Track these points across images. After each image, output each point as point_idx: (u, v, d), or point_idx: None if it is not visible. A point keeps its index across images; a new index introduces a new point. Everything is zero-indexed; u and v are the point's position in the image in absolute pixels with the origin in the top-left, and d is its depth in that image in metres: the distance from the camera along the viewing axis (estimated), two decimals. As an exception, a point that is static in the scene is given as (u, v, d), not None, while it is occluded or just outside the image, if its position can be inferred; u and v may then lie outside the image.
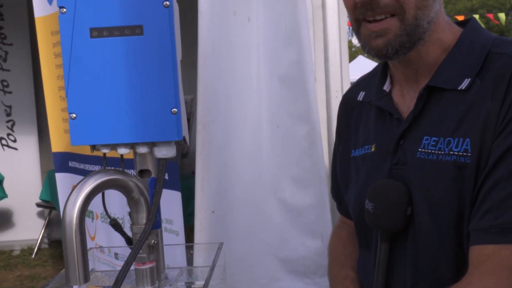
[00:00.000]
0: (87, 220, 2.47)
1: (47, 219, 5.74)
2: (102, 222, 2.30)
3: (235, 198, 1.64)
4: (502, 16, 15.34)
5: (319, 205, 1.67)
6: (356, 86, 1.40)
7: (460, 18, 14.19)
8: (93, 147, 1.23)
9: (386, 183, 1.17)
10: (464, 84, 1.11)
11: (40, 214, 6.00)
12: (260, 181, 1.67)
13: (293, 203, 1.67)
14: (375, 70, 1.36)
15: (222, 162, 1.63)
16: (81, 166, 2.50)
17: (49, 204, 5.42)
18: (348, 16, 1.22)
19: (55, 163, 2.67)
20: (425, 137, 1.14)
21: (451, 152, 1.09)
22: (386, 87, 1.26)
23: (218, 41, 1.65)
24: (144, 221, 1.22)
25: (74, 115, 1.17)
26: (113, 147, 1.21)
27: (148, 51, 1.16)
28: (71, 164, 2.58)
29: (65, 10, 1.17)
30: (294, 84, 1.71)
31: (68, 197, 1.13)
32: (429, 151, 1.12)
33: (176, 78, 1.18)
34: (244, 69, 1.69)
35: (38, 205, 5.67)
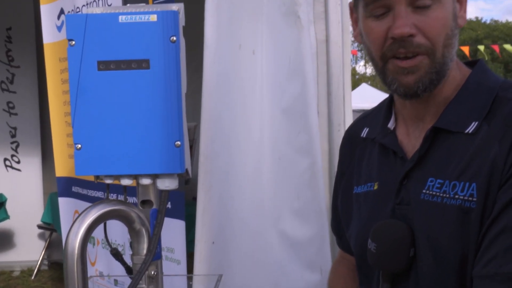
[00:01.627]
0: (88, 246, 2.47)
1: (47, 241, 5.73)
2: (103, 248, 2.30)
3: (236, 229, 1.65)
4: (508, 47, 15.42)
5: (319, 238, 1.68)
6: (360, 122, 1.41)
7: (465, 48, 14.28)
8: (97, 177, 1.24)
9: (389, 223, 1.17)
10: (471, 128, 1.12)
11: (41, 236, 5.99)
12: (261, 213, 1.67)
13: (293, 235, 1.68)
14: (380, 105, 1.36)
15: (223, 193, 1.64)
16: (84, 191, 2.52)
17: (50, 226, 5.42)
18: (368, 51, 1.20)
19: (59, 188, 2.69)
20: (430, 179, 1.14)
21: (457, 196, 1.09)
22: (391, 124, 1.27)
23: (223, 73, 1.68)
24: (145, 251, 1.22)
25: (80, 146, 1.19)
26: (117, 177, 1.22)
27: (154, 84, 1.18)
28: (74, 189, 2.60)
29: (74, 42, 1.20)
30: (297, 117, 1.72)
31: (70, 226, 1.15)
32: (434, 193, 1.13)
33: (181, 112, 1.20)
34: (247, 101, 1.71)
35: (39, 226, 5.67)
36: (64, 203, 2.62)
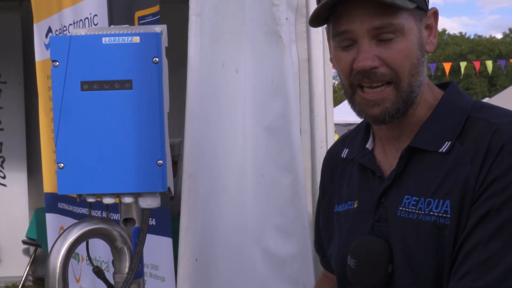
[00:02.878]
0: (73, 262, 2.47)
1: (32, 256, 5.68)
2: (88, 264, 2.30)
3: (219, 246, 1.66)
4: (489, 64, 15.64)
5: (302, 255, 1.69)
6: (340, 143, 1.45)
7: (448, 65, 14.46)
8: (80, 196, 1.25)
9: (368, 240, 1.20)
10: (444, 147, 1.16)
11: (26, 252, 5.95)
12: (244, 230, 1.69)
13: (277, 253, 1.69)
14: (358, 127, 1.40)
15: (206, 211, 1.65)
16: (70, 208, 2.52)
17: (35, 242, 5.38)
18: (339, 77, 1.25)
19: (46, 204, 2.69)
20: (406, 196, 1.18)
21: (431, 213, 1.13)
22: (369, 145, 1.31)
23: (206, 92, 1.70)
24: (127, 270, 1.23)
25: (62, 165, 1.20)
26: (99, 196, 1.23)
27: (137, 105, 1.20)
28: (60, 205, 2.60)
29: (57, 63, 1.21)
30: (279, 135, 1.75)
31: (52, 245, 1.15)
32: (410, 210, 1.16)
33: (163, 131, 1.22)
34: (230, 120, 1.74)
35: (24, 242, 5.63)
36: (50, 219, 2.62)
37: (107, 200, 1.23)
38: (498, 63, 18.26)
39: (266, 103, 1.76)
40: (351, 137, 1.41)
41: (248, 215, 1.70)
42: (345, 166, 1.37)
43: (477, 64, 16.03)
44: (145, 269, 1.91)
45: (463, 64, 15.74)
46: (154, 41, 1.23)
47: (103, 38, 1.22)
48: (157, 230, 1.85)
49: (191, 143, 1.63)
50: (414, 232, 1.13)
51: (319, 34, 1.93)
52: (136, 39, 1.23)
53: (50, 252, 1.14)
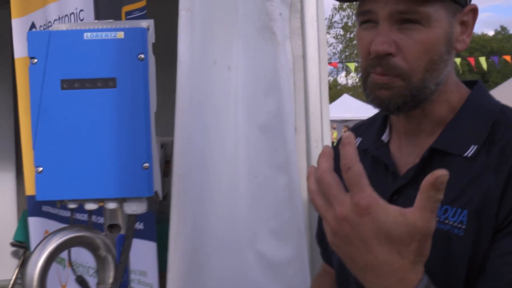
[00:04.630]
0: (59, 268, 2.40)
1: (21, 259, 5.61)
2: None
3: (211, 251, 1.59)
4: (482, 60, 15.69)
5: (297, 259, 1.63)
6: (353, 131, 1.38)
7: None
8: (60, 201, 1.19)
9: None
10: (470, 152, 1.08)
11: (15, 254, 5.87)
12: (237, 234, 1.62)
13: (271, 256, 1.63)
14: (375, 117, 1.33)
15: (197, 214, 1.58)
16: (55, 211, 2.44)
17: (23, 244, 5.32)
18: (361, 61, 1.19)
19: (29, 207, 2.60)
20: None
21: (446, 221, 1.06)
22: (385, 137, 1.24)
23: (197, 89, 1.64)
24: (111, 280, 1.17)
25: (41, 169, 1.14)
26: (81, 202, 1.17)
27: (121, 104, 1.14)
28: (45, 208, 2.52)
29: (35, 60, 1.15)
30: (273, 134, 1.69)
31: (30, 255, 1.09)
32: None
33: (149, 132, 1.15)
34: (222, 118, 1.67)
35: (12, 244, 5.57)
36: (33, 223, 2.54)
37: (90, 206, 1.17)
38: (490, 60, 18.33)
39: (259, 101, 1.70)
40: (365, 126, 1.34)
41: (241, 218, 1.63)
42: None
43: (471, 61, 16.09)
44: (134, 276, 1.84)
45: (457, 61, 15.81)
46: (140, 36, 1.16)
47: (85, 34, 1.16)
48: (145, 235, 1.78)
49: (181, 143, 1.56)
50: None
51: (314, 30, 1.87)
52: (120, 35, 1.16)
53: (27, 263, 1.07)
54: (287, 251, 1.61)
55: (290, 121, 1.69)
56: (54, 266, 2.37)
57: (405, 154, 1.18)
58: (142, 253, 1.79)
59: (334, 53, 37.19)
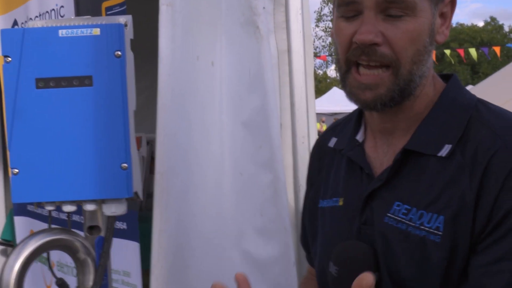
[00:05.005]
0: (44, 268, 2.37)
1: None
2: (59, 270, 2.20)
3: (196, 251, 1.57)
4: (472, 51, 15.71)
5: (284, 258, 1.61)
6: (329, 131, 1.35)
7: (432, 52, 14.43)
8: (37, 204, 1.17)
9: (352, 245, 1.11)
10: (444, 151, 1.05)
11: (3, 252, 5.82)
12: (222, 232, 1.60)
13: (257, 255, 1.61)
14: (350, 115, 1.30)
15: (181, 213, 1.56)
16: (39, 210, 2.41)
17: (10, 243, 5.27)
18: (336, 52, 1.15)
19: (14, 206, 2.57)
20: (396, 203, 1.08)
21: (422, 227, 1.03)
22: (360, 136, 1.21)
23: (180, 86, 1.61)
24: (91, 283, 1.15)
25: (17, 170, 1.12)
26: (59, 203, 1.15)
27: (98, 103, 1.11)
28: (30, 208, 2.49)
29: (10, 59, 1.12)
30: (258, 130, 1.66)
31: (6, 260, 1.07)
32: (399, 218, 1.07)
33: (127, 131, 1.13)
34: (206, 115, 1.64)
35: (0, 243, 5.52)
36: (19, 222, 2.51)
37: (67, 208, 1.14)
38: (480, 51, 18.36)
39: (243, 97, 1.67)
40: (341, 126, 1.30)
41: (226, 217, 1.61)
42: (333, 157, 1.26)
43: (461, 52, 16.10)
44: (117, 276, 1.82)
45: (447, 52, 15.81)
46: (116, 33, 1.14)
47: (60, 31, 1.13)
48: (128, 235, 1.75)
49: (163, 141, 1.53)
50: (400, 243, 1.04)
51: (299, 24, 1.84)
52: (96, 31, 1.13)
53: (3, 268, 1.05)
54: (273, 249, 1.59)
55: (275, 117, 1.67)
56: (39, 266, 2.34)
57: (381, 154, 1.15)
58: (125, 253, 1.76)
59: (324, 46, 37.13)
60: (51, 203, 1.14)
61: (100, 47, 1.12)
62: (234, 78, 1.67)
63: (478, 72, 35.08)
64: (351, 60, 1.08)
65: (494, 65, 30.69)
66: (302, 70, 1.83)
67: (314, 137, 1.83)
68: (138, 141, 2.72)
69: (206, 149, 1.62)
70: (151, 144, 2.63)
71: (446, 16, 1.12)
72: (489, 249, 0.99)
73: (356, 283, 0.94)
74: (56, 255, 2.07)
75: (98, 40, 1.12)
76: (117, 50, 1.11)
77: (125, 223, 1.78)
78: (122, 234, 1.77)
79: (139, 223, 2.02)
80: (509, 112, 1.11)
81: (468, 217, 1.00)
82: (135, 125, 1.19)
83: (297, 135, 1.82)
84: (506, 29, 41.79)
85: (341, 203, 1.19)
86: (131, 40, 1.22)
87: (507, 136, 1.02)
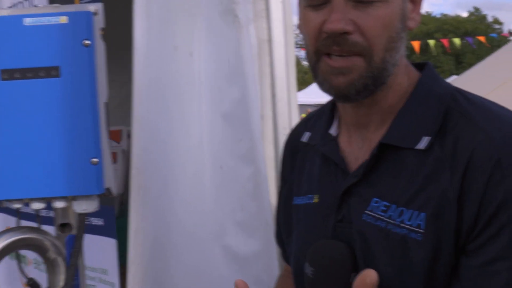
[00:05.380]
0: (20, 265, 2.31)
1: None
2: (35, 268, 2.15)
3: (175, 248, 1.52)
4: (457, 41, 15.76)
5: (266, 254, 1.57)
6: (302, 125, 1.29)
7: (416, 43, 14.48)
8: (5, 201, 1.12)
9: (328, 244, 1.06)
10: (422, 143, 1.00)
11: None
12: (202, 228, 1.56)
13: (239, 251, 1.57)
14: (323, 108, 1.25)
15: (159, 209, 1.51)
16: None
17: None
18: (305, 43, 1.09)
19: (-10, 203, 2.50)
20: (374, 199, 1.03)
21: (402, 225, 0.99)
22: (333, 130, 1.15)
23: (157, 77, 1.56)
24: (61, 283, 1.11)
25: (-20, 167, 1.06)
26: (27, 201, 1.10)
27: (66, 94, 1.06)
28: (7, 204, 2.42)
29: (-28, 49, 1.07)
30: (239, 122, 1.61)
31: None
32: (378, 216, 1.02)
33: (98, 124, 1.08)
34: (185, 107, 1.59)
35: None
36: (-4, 219, 2.44)
37: (36, 206, 1.10)
38: (464, 41, 18.42)
39: (223, 89, 1.63)
40: (314, 119, 1.24)
41: (206, 212, 1.56)
42: (306, 152, 1.21)
43: (445, 42, 16.14)
44: (94, 274, 1.78)
45: (431, 42, 15.82)
46: (84, 21, 1.08)
47: (25, 19, 1.07)
48: (105, 231, 1.71)
49: (140, 135, 1.48)
50: (379, 242, 1.00)
51: (280, 12, 1.79)
52: (63, 20, 1.08)
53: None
54: (255, 244, 1.55)
55: (256, 108, 1.62)
56: (15, 263, 2.28)
57: (355, 149, 1.10)
58: (102, 250, 1.72)
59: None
60: (19, 200, 1.09)
61: (67, 36, 1.07)
62: (213, 69, 1.63)
63: (462, 62, 35.22)
64: (322, 51, 1.03)
65: (478, 55, 30.85)
66: (284, 60, 1.79)
67: (296, 129, 1.78)
68: (118, 134, 2.66)
69: (185, 142, 1.57)
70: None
71: (416, 1, 1.07)
72: (482, 248, 0.94)
73: (359, 280, 0.89)
74: (33, 253, 2.01)
75: (66, 28, 1.07)
76: (86, 39, 1.06)
77: (101, 219, 1.73)
78: (98, 231, 1.73)
79: (120, 218, 1.98)
80: (489, 101, 1.06)
81: (451, 214, 0.95)
82: (114, 118, 1.13)
83: (279, 126, 1.78)
84: (490, 19, 42.04)
85: (316, 200, 1.13)
86: (108, 30, 1.17)
87: (488, 127, 0.98)
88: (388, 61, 1.02)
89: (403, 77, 1.08)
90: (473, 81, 5.69)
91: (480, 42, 15.94)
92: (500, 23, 41.96)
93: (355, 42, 0.99)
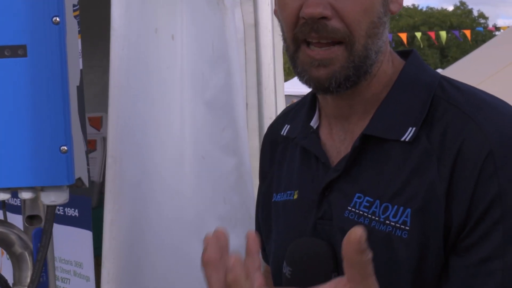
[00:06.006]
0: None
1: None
2: (8, 259, 2.07)
3: (153, 242, 1.45)
4: (443, 34, 15.82)
5: (248, 248, 1.50)
6: (282, 117, 1.23)
7: (403, 35, 14.49)
8: (-34, 191, 1.03)
9: (307, 243, 1.00)
10: (407, 135, 0.95)
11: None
12: (182, 221, 1.49)
13: (220, 245, 1.50)
14: (304, 99, 1.18)
15: (137, 200, 1.44)
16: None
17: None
18: (282, 30, 1.03)
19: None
20: (357, 195, 0.97)
21: (387, 222, 0.93)
22: (314, 122, 1.09)
23: (135, 61, 1.47)
24: (28, 280, 1.03)
25: None
26: (-10, 191, 1.01)
27: (33, 76, 0.97)
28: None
29: None
30: (222, 110, 1.54)
31: None
32: (361, 212, 0.96)
33: (68, 110, 0.99)
34: (165, 94, 1.52)
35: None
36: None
37: (1, 196, 1.01)
38: (450, 34, 18.49)
39: (206, 75, 1.55)
40: (295, 111, 1.18)
41: (186, 204, 1.49)
42: (286, 146, 1.15)
43: (432, 35, 16.19)
44: (69, 267, 1.70)
45: (418, 35, 15.86)
46: (54, -4, 1.00)
47: (-12, -7, 0.98)
48: (80, 223, 1.63)
49: (116, 122, 1.40)
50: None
51: (267, -4, 1.72)
52: (31, -6, 0.99)
53: None
54: (237, 239, 1.47)
55: (240, 96, 1.56)
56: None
57: (337, 142, 1.04)
58: (77, 242, 1.65)
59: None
60: (-20, 190, 1.00)
61: (35, 12, 0.98)
62: (196, 53, 1.55)
63: (447, 56, 35.45)
64: (300, 38, 0.97)
65: (463, 49, 31.05)
66: (270, 46, 1.72)
67: (282, 119, 1.72)
68: (98, 121, 2.58)
69: (164, 130, 1.50)
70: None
71: None
72: (475, 247, 0.89)
73: (345, 240, 0.82)
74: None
75: (34, 4, 0.98)
76: (55, 16, 0.98)
77: (76, 210, 1.66)
78: (73, 222, 1.65)
79: (98, 208, 1.90)
80: (477, 89, 1.01)
81: (439, 209, 0.90)
82: (95, 105, 1.04)
83: (264, 116, 1.71)
84: (475, 13, 42.35)
85: (295, 196, 1.08)
86: (90, 13, 1.08)
87: (478, 116, 0.93)
88: (371, 48, 0.96)
89: (387, 65, 1.03)
90: (458, 75, 5.69)
91: (465, 36, 16.00)
92: (485, 18, 42.31)
93: (335, 28, 0.94)
